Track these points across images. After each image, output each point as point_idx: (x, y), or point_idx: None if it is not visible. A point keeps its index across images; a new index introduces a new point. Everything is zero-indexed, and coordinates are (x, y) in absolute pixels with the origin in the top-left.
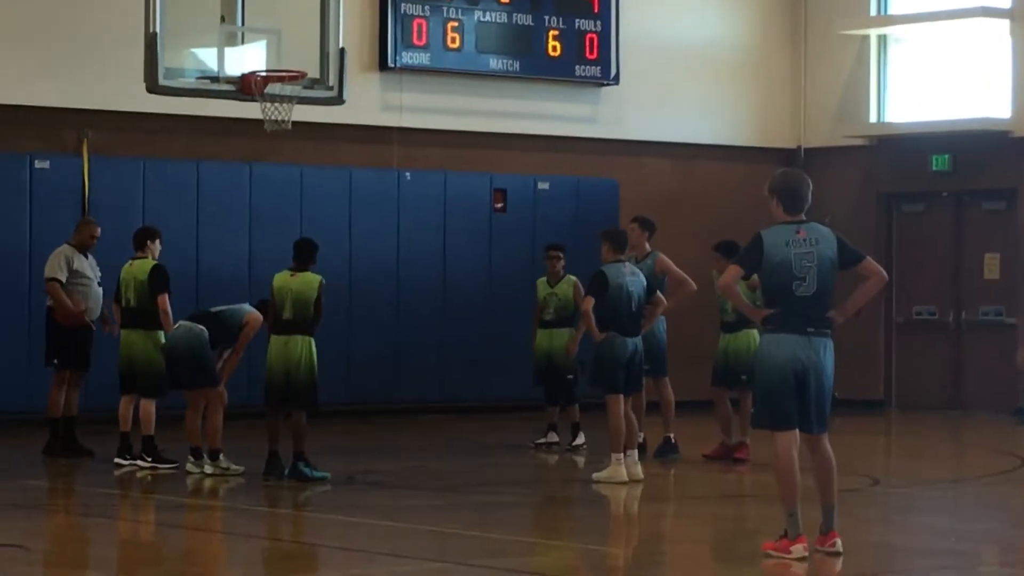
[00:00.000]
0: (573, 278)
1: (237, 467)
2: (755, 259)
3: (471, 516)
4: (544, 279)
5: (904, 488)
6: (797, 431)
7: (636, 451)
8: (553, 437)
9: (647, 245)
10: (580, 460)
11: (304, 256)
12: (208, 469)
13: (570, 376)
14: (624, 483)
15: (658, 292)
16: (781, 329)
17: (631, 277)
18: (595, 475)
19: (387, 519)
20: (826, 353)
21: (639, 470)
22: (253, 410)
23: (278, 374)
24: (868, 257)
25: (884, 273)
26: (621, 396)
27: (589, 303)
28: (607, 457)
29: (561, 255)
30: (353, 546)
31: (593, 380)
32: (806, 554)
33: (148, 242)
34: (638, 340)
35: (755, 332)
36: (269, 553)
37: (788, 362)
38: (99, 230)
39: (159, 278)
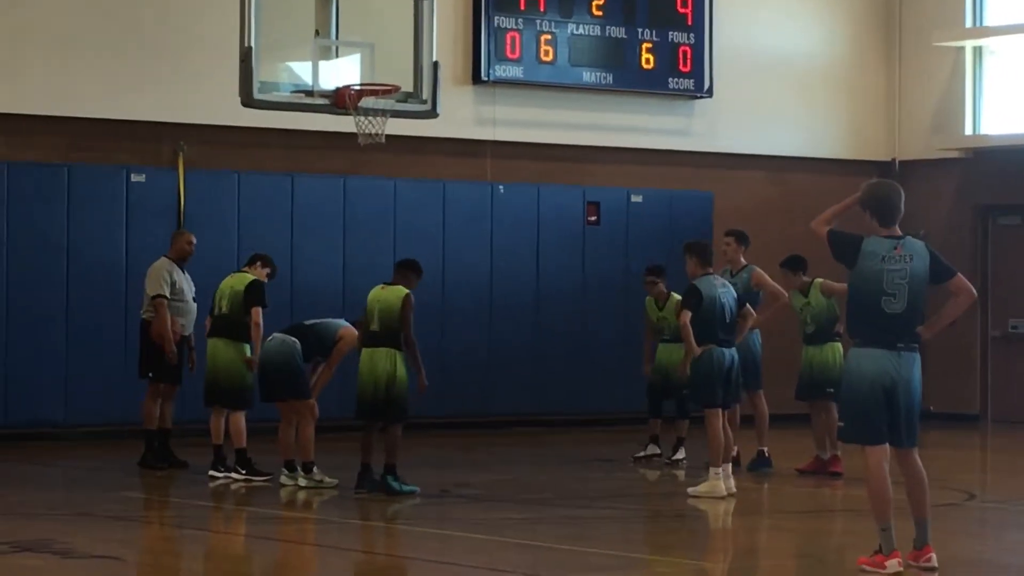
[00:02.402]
0: (678, 297)
1: (331, 480)
2: (850, 253)
3: (566, 530)
4: (651, 299)
5: (1000, 503)
6: (887, 445)
7: (730, 465)
8: (654, 449)
9: (742, 258)
10: (680, 474)
11: (401, 272)
12: (302, 482)
13: (686, 391)
14: (722, 497)
15: (747, 305)
16: (870, 344)
17: (722, 289)
18: (691, 490)
19: (481, 532)
20: (914, 368)
21: (732, 483)
22: (346, 423)
23: (368, 387)
24: (959, 274)
25: (973, 291)
26: (720, 410)
27: (686, 316)
28: (705, 471)
29: (657, 279)
30: (448, 559)
31: (692, 395)
32: (901, 569)
33: (259, 263)
34: (735, 352)
35: (838, 344)
36: (363, 566)
37: (877, 377)
38: (194, 237)
39: (257, 291)
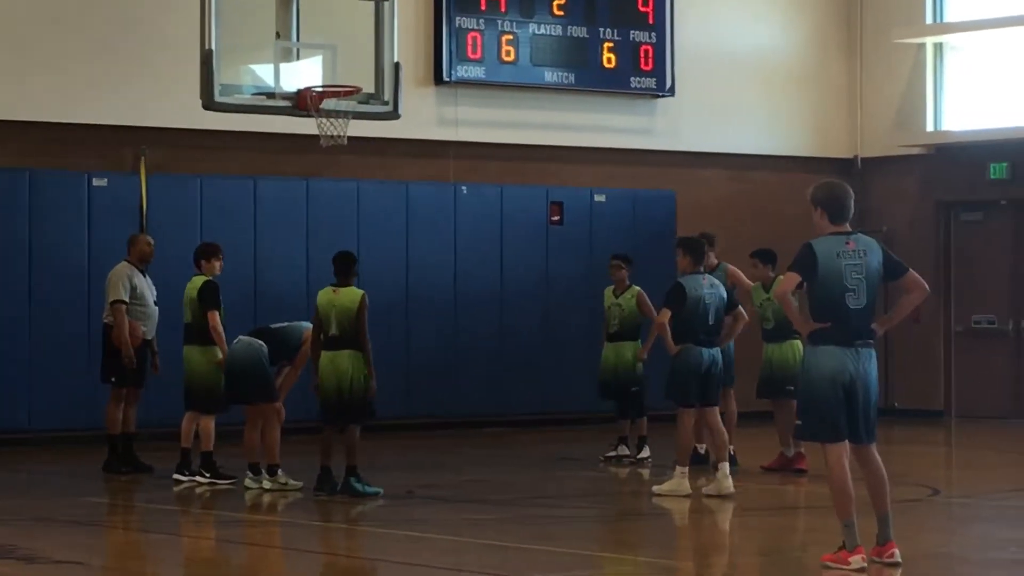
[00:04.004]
0: (637, 288)
1: (295, 482)
2: (811, 268)
3: (532, 529)
4: (611, 288)
5: (964, 498)
6: (847, 442)
7: (727, 464)
8: (623, 450)
9: (713, 258)
10: (645, 473)
11: (344, 270)
12: (266, 484)
13: (634, 388)
14: (688, 496)
15: (740, 307)
16: (829, 341)
17: (709, 289)
18: (656, 488)
19: (448, 533)
20: (871, 363)
21: (730, 483)
22: (310, 425)
23: (330, 390)
24: (911, 270)
25: (926, 286)
26: (692, 410)
27: (666, 315)
28: (671, 470)
29: (623, 264)
30: (414, 561)
31: (666, 392)
32: (865, 565)
33: (203, 261)
34: (715, 352)
35: (798, 342)
36: (329, 569)
37: (837, 374)
38: (152, 239)
39: (208, 294)
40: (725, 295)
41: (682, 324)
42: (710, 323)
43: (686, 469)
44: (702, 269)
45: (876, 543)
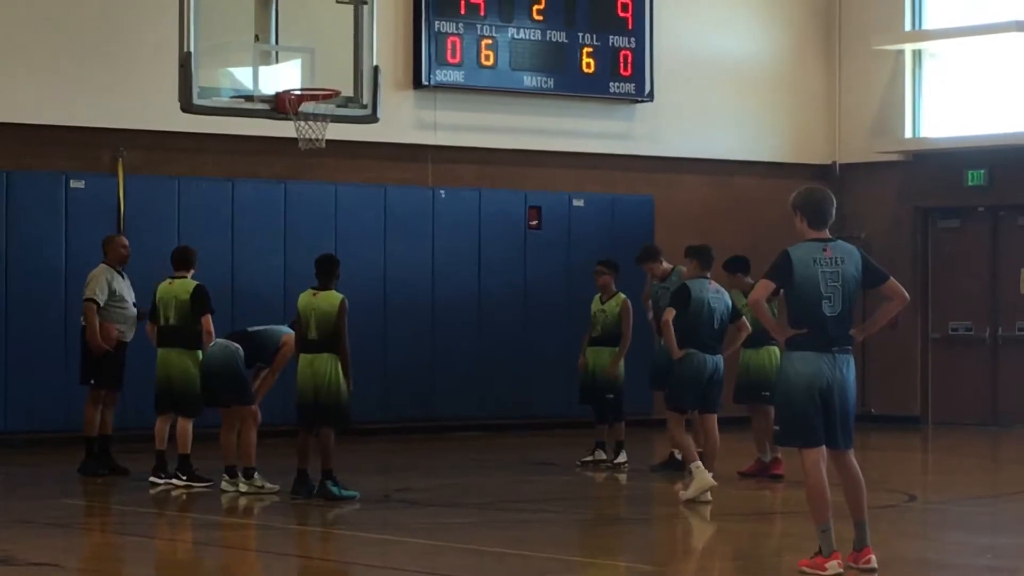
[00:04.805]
0: (623, 297)
1: (272, 485)
2: (786, 275)
3: (508, 533)
4: (598, 295)
5: (941, 504)
6: (824, 447)
7: (699, 462)
8: (600, 455)
9: (665, 264)
10: (622, 477)
11: (325, 274)
12: (243, 487)
13: (609, 396)
14: (713, 487)
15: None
16: (806, 347)
17: (715, 295)
18: (682, 495)
19: (424, 537)
20: (848, 369)
21: (708, 476)
22: (287, 429)
23: (307, 393)
24: (891, 278)
25: (906, 294)
26: (682, 417)
27: (670, 314)
28: (687, 474)
29: (606, 270)
30: (389, 564)
31: (666, 397)
32: (841, 570)
33: (186, 262)
34: (719, 359)
35: (775, 348)
36: (304, 572)
37: (813, 379)
38: (127, 241)
39: (202, 298)
40: (730, 303)
41: (687, 328)
42: (715, 328)
43: (698, 463)
44: (708, 275)
45: (853, 549)
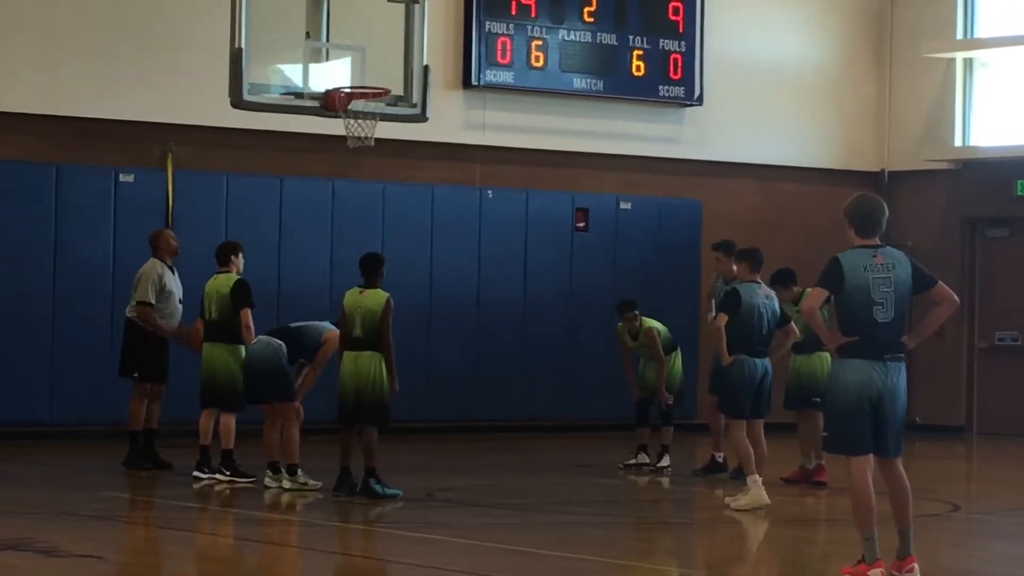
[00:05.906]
0: (646, 327)
1: (314, 482)
2: (838, 282)
3: (549, 535)
4: (623, 327)
5: (984, 514)
6: (872, 455)
7: (758, 476)
8: (643, 458)
9: (735, 268)
10: (665, 481)
11: (371, 272)
12: (286, 484)
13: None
14: (767, 505)
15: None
16: (857, 354)
17: (765, 300)
18: (732, 503)
19: (465, 536)
20: (900, 377)
21: (764, 494)
22: (330, 426)
23: (349, 391)
24: (941, 282)
25: (956, 298)
26: (744, 422)
27: (722, 320)
28: (743, 485)
29: (634, 316)
30: (430, 563)
31: (719, 405)
32: None
33: (232, 256)
34: (766, 362)
35: (827, 354)
36: (345, 569)
37: (864, 387)
38: (174, 235)
39: (243, 292)
40: (779, 308)
41: (737, 332)
42: (764, 332)
43: (758, 477)
44: (759, 278)
45: (896, 557)
